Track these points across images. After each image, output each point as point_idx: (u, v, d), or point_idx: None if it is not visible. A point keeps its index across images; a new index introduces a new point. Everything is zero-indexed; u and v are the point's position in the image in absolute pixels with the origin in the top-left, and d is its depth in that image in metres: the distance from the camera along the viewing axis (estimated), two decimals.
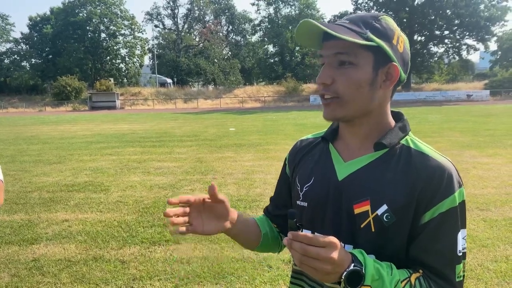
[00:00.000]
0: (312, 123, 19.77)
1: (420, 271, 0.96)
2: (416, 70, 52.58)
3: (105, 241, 4.67)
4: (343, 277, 0.85)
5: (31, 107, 48.19)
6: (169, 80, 62.57)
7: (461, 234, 0.97)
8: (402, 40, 1.01)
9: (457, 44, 49.94)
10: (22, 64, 61.39)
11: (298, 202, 1.12)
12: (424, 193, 0.95)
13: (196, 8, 67.99)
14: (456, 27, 48.63)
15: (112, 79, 54.22)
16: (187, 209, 1.04)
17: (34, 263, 4.10)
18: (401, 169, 0.98)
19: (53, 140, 15.44)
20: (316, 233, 1.01)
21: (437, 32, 50.14)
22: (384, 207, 0.96)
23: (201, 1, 67.34)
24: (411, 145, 1.02)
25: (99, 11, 59.32)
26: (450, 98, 42.84)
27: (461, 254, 0.97)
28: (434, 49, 52.61)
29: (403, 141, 1.03)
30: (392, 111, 1.09)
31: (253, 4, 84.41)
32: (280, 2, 63.72)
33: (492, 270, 3.73)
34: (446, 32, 49.99)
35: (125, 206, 6.09)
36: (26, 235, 4.91)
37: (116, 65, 63.53)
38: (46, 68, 58.50)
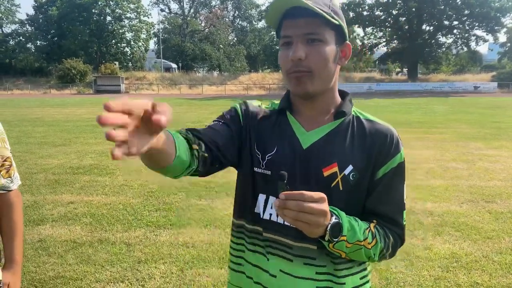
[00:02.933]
0: None
1: (374, 221, 1.11)
2: (423, 61, 52.05)
3: (111, 224, 4.70)
4: (328, 229, 0.96)
5: (36, 89, 48.19)
6: (174, 65, 62.28)
7: (404, 186, 1.16)
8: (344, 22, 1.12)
9: (466, 35, 49.31)
10: (27, 46, 61.25)
11: (257, 169, 1.16)
12: (379, 152, 1.11)
13: None
14: (465, 18, 47.94)
15: (117, 63, 54.13)
16: (127, 119, 0.65)
17: (40, 244, 4.14)
18: (358, 134, 1.13)
19: (58, 122, 15.47)
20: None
21: (446, 22, 49.48)
22: (350, 167, 1.10)
23: None
24: (359, 115, 1.17)
25: None
26: (457, 89, 42.47)
27: (405, 201, 1.16)
28: (442, 39, 52.05)
29: (352, 112, 1.17)
30: None
31: None
32: None
33: (496, 262, 3.73)
34: (455, 23, 49.35)
35: (130, 189, 6.11)
36: (32, 216, 4.95)
37: (121, 48, 63.21)
38: (51, 50, 58.33)
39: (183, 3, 68.37)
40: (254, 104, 1.25)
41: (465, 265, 3.67)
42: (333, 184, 1.09)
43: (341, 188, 1.10)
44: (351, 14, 51.19)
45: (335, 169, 1.09)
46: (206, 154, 1.05)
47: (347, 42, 1.12)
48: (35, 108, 23.05)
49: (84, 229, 4.56)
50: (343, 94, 1.21)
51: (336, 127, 1.14)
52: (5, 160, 1.50)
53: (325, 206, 0.92)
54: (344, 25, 1.10)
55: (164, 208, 5.22)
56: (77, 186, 6.32)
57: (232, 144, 1.15)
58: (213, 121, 1.19)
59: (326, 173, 1.10)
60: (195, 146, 1.03)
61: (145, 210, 5.15)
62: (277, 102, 1.26)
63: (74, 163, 7.99)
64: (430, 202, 5.44)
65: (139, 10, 63.46)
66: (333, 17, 1.05)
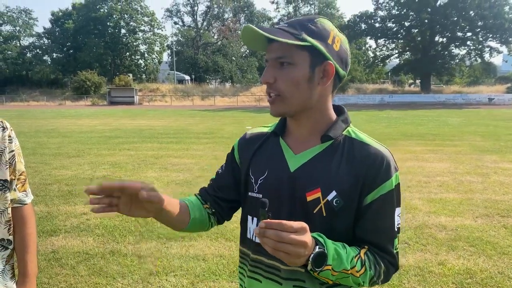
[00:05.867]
0: None
1: (366, 247, 1.09)
2: (436, 72, 51.70)
3: (122, 235, 4.72)
4: (310, 259, 0.94)
5: (51, 101, 49.05)
6: (187, 77, 62.92)
7: (396, 212, 1.12)
8: (338, 40, 1.10)
9: (480, 46, 48.85)
10: (44, 58, 62.55)
11: (251, 194, 1.20)
12: (367, 177, 1.08)
13: (215, 6, 68.15)
14: (479, 29, 47.54)
15: (131, 75, 54.87)
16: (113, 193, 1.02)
17: (53, 255, 4.17)
18: (346, 157, 1.10)
19: (72, 133, 15.69)
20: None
21: (460, 34, 49.15)
22: (334, 193, 1.07)
23: None
24: (353, 135, 1.15)
25: (119, 7, 59.95)
26: (471, 101, 42.03)
27: (397, 229, 1.13)
28: (455, 51, 51.66)
29: (345, 132, 1.15)
30: (333, 105, 1.20)
31: (272, 2, 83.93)
32: (300, 1, 63.50)
33: None
34: (469, 34, 48.96)
35: None
36: (46, 227, 5.00)
37: (135, 61, 64.15)
38: (67, 63, 59.45)
39: (196, 16, 69.28)
40: (254, 132, 1.32)
41: (480, 281, 3.60)
42: (315, 210, 1.08)
43: (324, 214, 1.08)
44: (363, 26, 51.27)
45: (318, 194, 1.08)
46: (214, 210, 1.28)
47: (328, 61, 1.08)
48: (50, 119, 23.42)
49: (96, 240, 4.59)
50: (339, 111, 1.20)
51: (323, 150, 1.12)
52: (20, 174, 1.53)
53: (305, 237, 0.90)
54: (323, 44, 1.06)
55: None
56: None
57: (236, 185, 1.28)
58: (220, 168, 1.35)
59: (309, 198, 1.09)
60: (206, 206, 1.29)
61: (157, 222, 5.15)
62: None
63: (88, 174, 8.07)
64: (444, 216, 5.36)
65: (153, 23, 64.44)
66: (302, 39, 1.04)
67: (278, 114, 1.13)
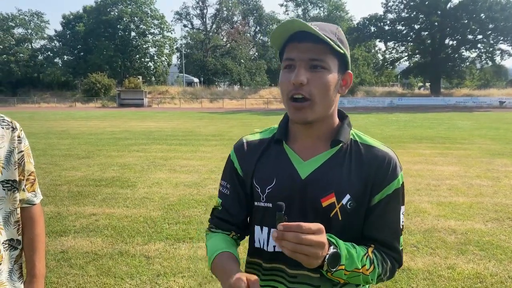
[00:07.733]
0: None
1: (372, 245, 1.11)
2: (446, 75, 51.26)
3: (131, 236, 4.75)
4: (326, 260, 0.95)
5: (62, 103, 49.49)
6: (196, 80, 63.16)
7: (401, 210, 1.15)
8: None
9: (491, 49, 48.32)
10: (55, 60, 63.19)
11: (258, 204, 1.17)
12: (376, 179, 1.10)
13: (224, 9, 68.35)
14: (490, 32, 47.09)
15: (140, 77, 55.21)
16: None
17: (62, 255, 4.21)
18: (355, 160, 1.12)
19: (82, 135, 15.83)
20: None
21: (470, 37, 48.69)
22: (348, 197, 1.08)
23: (230, 2, 67.73)
24: (357, 139, 1.16)
25: (130, 10, 60.37)
26: (481, 104, 41.59)
27: (402, 227, 1.15)
28: (466, 53, 51.14)
29: (350, 136, 1.16)
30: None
31: (281, 5, 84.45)
32: (309, 4, 63.50)
33: None
34: (480, 37, 48.49)
35: (151, 202, 6.18)
36: (55, 227, 5.04)
37: (145, 63, 64.51)
38: (77, 65, 59.98)
39: (205, 19, 69.53)
40: (251, 139, 1.26)
41: (490, 286, 3.56)
42: (332, 214, 1.09)
43: (340, 218, 1.09)
44: (373, 28, 51.04)
45: (333, 199, 1.09)
46: (239, 234, 1.27)
47: (349, 71, 1.13)
48: (60, 121, 23.65)
49: (105, 241, 4.62)
50: (342, 116, 1.20)
51: (333, 155, 1.13)
52: (29, 175, 1.54)
53: (323, 238, 0.92)
54: (348, 54, 1.10)
55: (183, 221, 5.25)
56: (99, 198, 6.42)
57: (247, 198, 1.23)
58: (222, 186, 1.28)
59: (324, 204, 1.09)
60: (232, 235, 1.26)
61: (165, 223, 5.19)
62: (276, 126, 1.25)
63: (97, 175, 8.14)
64: (454, 220, 5.31)
65: (162, 26, 64.78)
66: (338, 45, 1.05)
67: (305, 121, 1.09)
